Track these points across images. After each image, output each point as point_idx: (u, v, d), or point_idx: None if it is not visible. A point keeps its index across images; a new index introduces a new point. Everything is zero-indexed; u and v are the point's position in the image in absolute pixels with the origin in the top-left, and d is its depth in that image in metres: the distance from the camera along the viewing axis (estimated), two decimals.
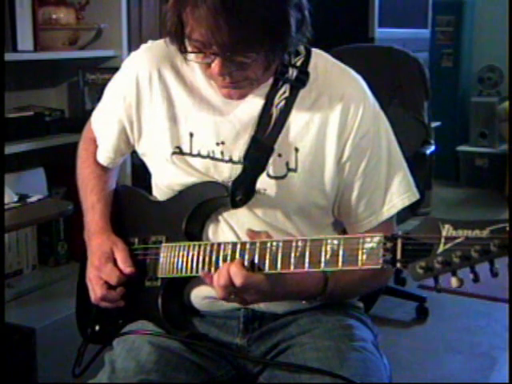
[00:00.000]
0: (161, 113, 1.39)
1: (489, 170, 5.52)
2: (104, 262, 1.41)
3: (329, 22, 3.77)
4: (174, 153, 1.38)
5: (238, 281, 1.20)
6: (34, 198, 2.01)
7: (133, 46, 2.89)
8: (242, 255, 1.25)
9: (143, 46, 1.44)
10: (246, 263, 1.23)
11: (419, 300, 3.25)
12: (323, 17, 3.67)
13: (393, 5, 4.28)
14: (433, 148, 2.98)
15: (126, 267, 1.40)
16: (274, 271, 1.22)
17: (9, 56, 2.30)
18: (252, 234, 1.29)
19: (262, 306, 1.38)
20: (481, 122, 5.55)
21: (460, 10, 5.60)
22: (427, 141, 3.00)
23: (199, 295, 1.40)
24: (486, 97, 5.61)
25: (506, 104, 5.29)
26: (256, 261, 1.23)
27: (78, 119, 2.63)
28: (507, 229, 1.02)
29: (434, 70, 4.56)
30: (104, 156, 1.53)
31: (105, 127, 1.51)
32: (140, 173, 2.50)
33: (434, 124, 4.22)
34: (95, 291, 1.41)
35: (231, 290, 1.22)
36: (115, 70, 1.49)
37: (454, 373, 2.73)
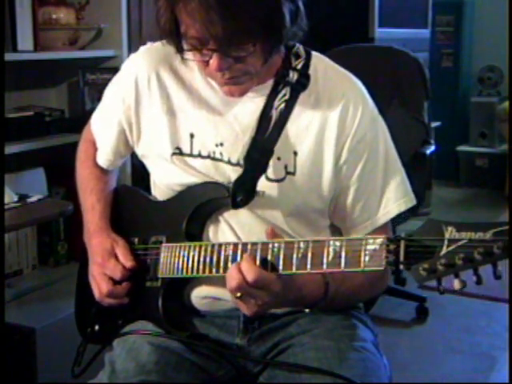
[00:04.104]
0: (160, 114, 1.39)
1: (489, 170, 5.52)
2: (107, 259, 1.41)
3: (329, 21, 3.77)
4: (173, 153, 1.38)
5: (250, 277, 1.17)
6: (33, 198, 2.01)
7: (133, 46, 2.89)
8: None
9: (142, 48, 1.44)
10: (257, 262, 1.20)
11: (419, 300, 3.25)
12: (323, 17, 3.68)
13: (393, 5, 4.28)
14: (433, 148, 2.98)
15: (127, 261, 1.40)
16: (289, 271, 1.19)
17: (9, 56, 2.30)
18: (272, 234, 1.24)
19: None
20: (481, 122, 5.55)
21: (460, 10, 5.60)
22: (427, 141, 3.00)
23: (199, 295, 1.40)
24: (486, 97, 5.61)
25: (506, 104, 5.28)
26: (269, 259, 1.20)
27: (78, 119, 2.62)
28: None
29: (434, 70, 4.56)
30: (103, 158, 1.53)
31: (104, 129, 1.51)
32: (140, 173, 2.50)
33: (434, 124, 4.22)
34: (101, 287, 1.41)
35: (243, 290, 1.19)
36: (115, 69, 1.49)
37: (453, 373, 2.73)
